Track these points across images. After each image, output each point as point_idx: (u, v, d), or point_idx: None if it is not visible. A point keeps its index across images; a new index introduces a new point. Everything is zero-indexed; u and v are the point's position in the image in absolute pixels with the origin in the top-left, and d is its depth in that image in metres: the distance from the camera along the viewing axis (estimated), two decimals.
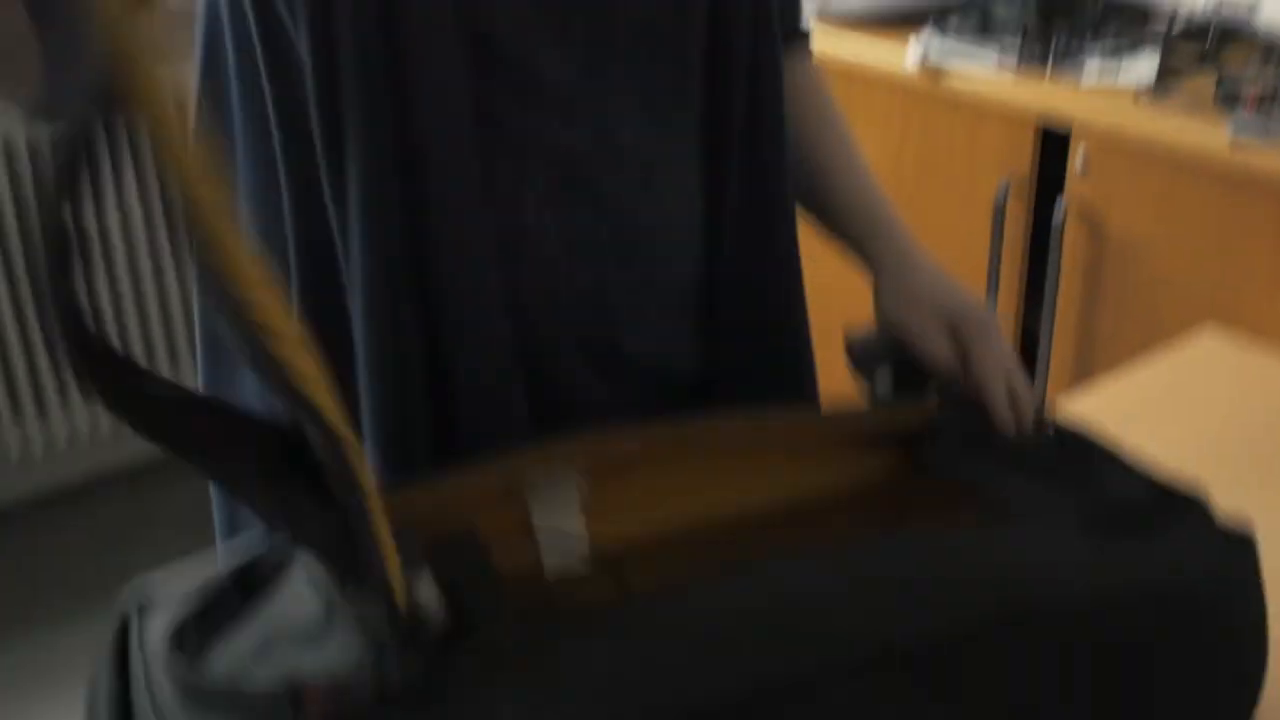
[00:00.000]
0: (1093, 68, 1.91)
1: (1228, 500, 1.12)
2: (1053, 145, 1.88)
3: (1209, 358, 1.42)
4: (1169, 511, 0.77)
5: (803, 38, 1.06)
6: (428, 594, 0.61)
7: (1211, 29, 1.98)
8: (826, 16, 2.15)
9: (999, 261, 1.96)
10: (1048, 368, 1.93)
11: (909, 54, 2.01)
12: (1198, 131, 1.70)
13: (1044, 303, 1.92)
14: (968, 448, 0.84)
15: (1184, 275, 1.76)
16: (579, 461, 0.77)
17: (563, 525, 0.78)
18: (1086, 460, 0.82)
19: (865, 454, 0.86)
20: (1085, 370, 1.89)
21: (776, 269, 0.97)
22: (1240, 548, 0.77)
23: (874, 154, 2.10)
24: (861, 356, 0.95)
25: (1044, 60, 1.94)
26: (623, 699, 0.61)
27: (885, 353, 0.95)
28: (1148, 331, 1.80)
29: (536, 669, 0.61)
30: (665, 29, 0.88)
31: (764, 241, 0.95)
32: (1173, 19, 2.04)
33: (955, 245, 2.00)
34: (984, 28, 2.05)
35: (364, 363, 0.86)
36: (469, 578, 0.65)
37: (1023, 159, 1.90)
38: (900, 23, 2.13)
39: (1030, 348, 1.95)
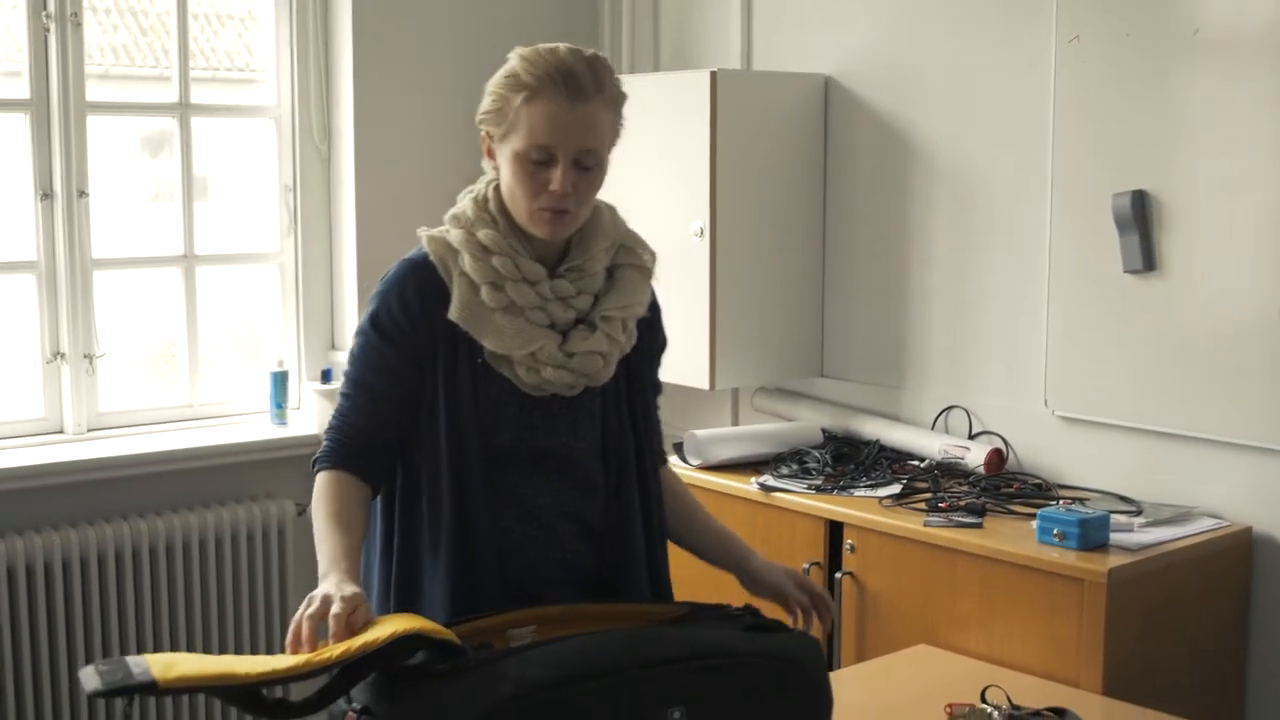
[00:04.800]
0: (862, 490, 3.10)
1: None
2: (838, 536, 3.04)
3: (917, 660, 2.57)
4: (784, 629, 1.87)
5: (664, 458, 2.24)
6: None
7: (937, 467, 3.19)
8: (707, 464, 3.36)
9: None
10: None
11: (754, 483, 3.20)
12: (917, 525, 2.86)
13: (834, 632, 3.02)
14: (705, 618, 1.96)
15: (912, 612, 2.88)
16: (530, 619, 1.89)
17: (521, 638, 1.87)
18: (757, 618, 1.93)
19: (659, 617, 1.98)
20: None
21: (634, 557, 2.12)
22: (813, 642, 1.87)
23: None
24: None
25: (835, 486, 3.13)
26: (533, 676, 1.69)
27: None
28: (890, 645, 2.90)
29: (505, 661, 1.70)
30: (584, 461, 2.06)
31: (630, 543, 2.10)
32: (918, 463, 3.26)
33: None
34: (801, 468, 3.27)
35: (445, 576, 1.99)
36: (482, 651, 1.75)
37: (819, 544, 3.06)
38: (750, 466, 3.35)
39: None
